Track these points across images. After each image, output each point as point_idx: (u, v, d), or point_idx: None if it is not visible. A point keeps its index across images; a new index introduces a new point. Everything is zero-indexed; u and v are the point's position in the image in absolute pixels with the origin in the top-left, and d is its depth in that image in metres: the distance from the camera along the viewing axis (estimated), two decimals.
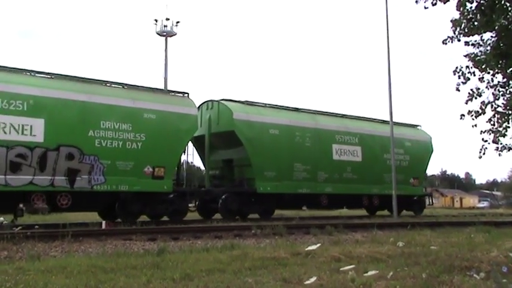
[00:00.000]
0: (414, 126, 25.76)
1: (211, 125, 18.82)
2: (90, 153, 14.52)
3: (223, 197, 18.19)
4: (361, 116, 23.22)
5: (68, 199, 14.28)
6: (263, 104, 19.73)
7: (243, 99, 19.29)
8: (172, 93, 17.37)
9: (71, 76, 15.38)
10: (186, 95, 17.50)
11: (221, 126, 18.52)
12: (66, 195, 14.26)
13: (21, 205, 13.62)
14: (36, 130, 13.69)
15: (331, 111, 21.99)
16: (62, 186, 14.06)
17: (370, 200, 22.04)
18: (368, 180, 21.66)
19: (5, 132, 13.20)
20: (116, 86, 16.19)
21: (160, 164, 15.88)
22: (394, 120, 24.71)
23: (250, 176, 18.45)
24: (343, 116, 22.26)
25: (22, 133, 13.48)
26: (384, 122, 23.73)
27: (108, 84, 16.04)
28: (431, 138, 25.40)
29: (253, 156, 18.16)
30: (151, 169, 15.68)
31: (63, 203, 14.22)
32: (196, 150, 19.64)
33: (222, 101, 18.80)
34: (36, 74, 14.70)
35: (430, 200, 25.47)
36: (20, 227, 11.17)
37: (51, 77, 14.96)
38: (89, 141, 14.56)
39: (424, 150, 24.75)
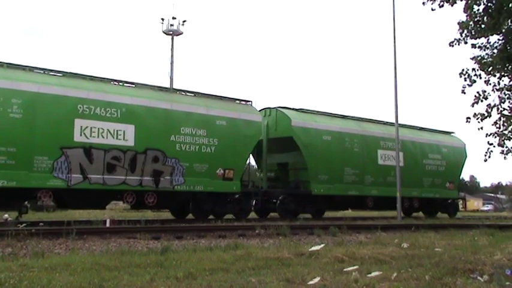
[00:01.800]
0: (449, 133, 27.09)
1: (268, 131, 20.22)
2: (172, 156, 15.97)
3: (281, 197, 19.63)
4: (403, 123, 24.57)
5: (153, 198, 15.73)
6: (316, 111, 21.15)
7: (297, 107, 20.73)
8: (238, 101, 18.77)
9: (153, 85, 16.85)
10: (250, 102, 18.96)
11: (279, 132, 19.93)
12: (152, 194, 15.72)
13: (25, 202, 14.12)
14: (128, 135, 15.14)
15: (376, 119, 23.40)
16: (148, 186, 15.52)
17: (411, 203, 23.38)
18: (409, 184, 22.93)
19: (103, 137, 14.67)
20: (189, 94, 17.64)
21: (230, 167, 17.31)
22: (430, 127, 26.19)
23: (306, 178, 19.86)
24: (387, 123, 23.63)
25: (116, 138, 14.94)
26: (423, 129, 25.16)
27: (183, 93, 17.51)
28: (465, 144, 26.72)
29: (309, 160, 19.56)
30: (222, 171, 17.12)
31: (150, 201, 15.68)
32: (251, 153, 21.02)
33: (279, 109, 20.23)
34: (125, 84, 16.18)
35: (464, 204, 26.82)
36: (24, 224, 11.31)
37: (134, 86, 16.44)
38: (171, 145, 16.01)
39: (459, 156, 26.07)
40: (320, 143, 20.05)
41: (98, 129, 14.60)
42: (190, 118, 16.61)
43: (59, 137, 13.94)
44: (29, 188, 13.52)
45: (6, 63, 13.99)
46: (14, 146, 13.13)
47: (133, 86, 16.35)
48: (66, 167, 13.98)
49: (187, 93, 17.58)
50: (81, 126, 14.32)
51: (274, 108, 20.41)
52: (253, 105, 18.96)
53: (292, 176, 20.59)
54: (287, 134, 19.57)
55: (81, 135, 14.30)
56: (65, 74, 15.04)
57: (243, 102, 18.85)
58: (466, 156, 26.49)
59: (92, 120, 14.52)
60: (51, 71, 14.79)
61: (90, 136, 14.45)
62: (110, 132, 14.81)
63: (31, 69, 14.46)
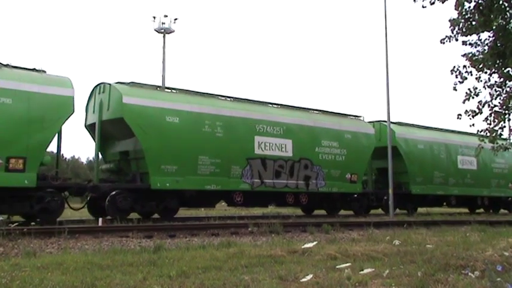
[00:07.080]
0: (505, 139, 31.01)
1: None
2: (317, 163, 19.88)
3: (385, 197, 23.53)
4: (474, 132, 28.43)
5: (305, 198, 19.69)
6: (410, 124, 25.11)
7: (395, 120, 24.66)
8: (351, 117, 22.65)
9: (299, 107, 20.75)
10: (362, 117, 22.88)
11: (382, 142, 23.75)
12: (304, 195, 19.67)
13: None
14: (287, 148, 19.06)
15: (455, 129, 27.33)
16: (302, 188, 19.44)
17: (482, 200, 27.41)
18: (480, 185, 26.99)
19: (272, 150, 18.59)
20: (319, 113, 21.50)
21: (355, 172, 21.22)
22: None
23: (405, 180, 23.79)
24: (465, 133, 27.57)
25: (280, 150, 18.86)
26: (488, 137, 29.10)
27: (316, 112, 21.40)
28: None
29: (409, 165, 23.50)
30: (349, 175, 21.03)
31: (303, 200, 19.66)
32: None
33: (383, 122, 24.14)
34: (280, 106, 20.09)
35: None
36: (16, 223, 11.31)
37: (280, 107, 20.32)
38: (316, 155, 19.92)
39: None
40: (416, 151, 23.98)
41: (269, 143, 18.53)
42: (327, 133, 20.52)
43: (245, 150, 17.83)
44: (228, 190, 17.48)
45: (208, 93, 17.92)
46: (219, 158, 17.02)
47: (277, 106, 20.18)
48: (250, 173, 17.90)
49: (319, 112, 21.44)
50: (259, 142, 18.24)
51: (378, 121, 24.30)
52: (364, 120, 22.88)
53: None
54: (391, 144, 23.41)
55: (258, 148, 18.21)
56: (241, 100, 18.94)
57: (355, 117, 22.74)
58: None
59: (265, 137, 18.43)
60: (236, 98, 18.74)
61: (264, 149, 18.37)
62: (276, 145, 18.74)
63: (217, 96, 18.37)
